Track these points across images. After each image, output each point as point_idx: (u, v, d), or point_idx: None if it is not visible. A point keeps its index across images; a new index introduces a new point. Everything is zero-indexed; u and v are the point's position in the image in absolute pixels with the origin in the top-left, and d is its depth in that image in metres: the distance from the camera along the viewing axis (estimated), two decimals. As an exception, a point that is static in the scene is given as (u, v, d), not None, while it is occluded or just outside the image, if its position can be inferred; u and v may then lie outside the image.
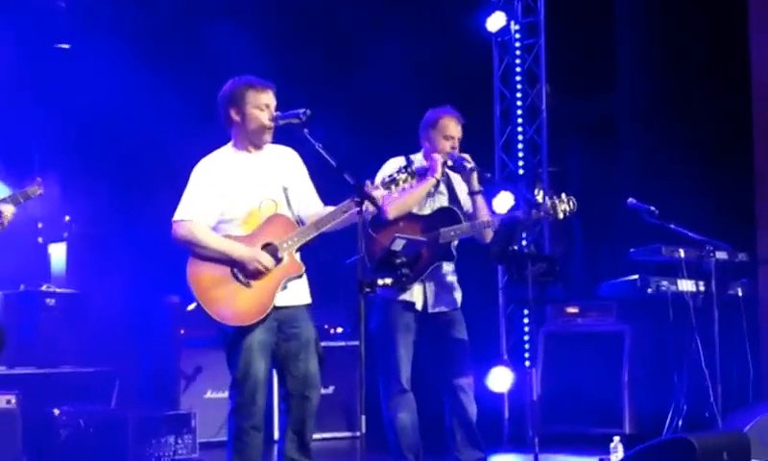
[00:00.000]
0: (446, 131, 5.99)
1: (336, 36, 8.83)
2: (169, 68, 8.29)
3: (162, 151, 8.22)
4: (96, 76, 8.37)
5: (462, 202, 6.06)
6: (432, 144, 6.00)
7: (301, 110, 4.99)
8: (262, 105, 5.11)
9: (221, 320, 4.97)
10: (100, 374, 7.63)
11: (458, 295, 6.07)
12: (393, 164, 5.86)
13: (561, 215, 5.87)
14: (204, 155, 5.20)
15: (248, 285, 5.00)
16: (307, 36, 8.85)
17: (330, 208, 5.15)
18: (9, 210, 4.57)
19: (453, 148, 5.98)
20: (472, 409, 5.98)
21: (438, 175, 5.84)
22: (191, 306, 5.12)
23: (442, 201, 6.04)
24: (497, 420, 8.61)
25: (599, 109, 8.97)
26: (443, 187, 6.05)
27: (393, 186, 5.09)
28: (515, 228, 5.98)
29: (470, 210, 6.01)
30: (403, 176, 5.10)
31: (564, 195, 5.88)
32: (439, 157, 5.87)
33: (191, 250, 5.02)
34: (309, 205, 5.25)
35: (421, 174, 5.57)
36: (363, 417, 4.81)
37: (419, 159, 5.98)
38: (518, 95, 8.87)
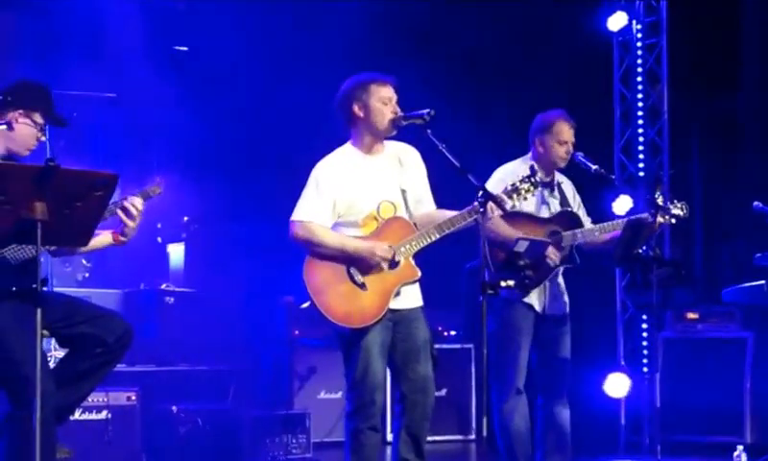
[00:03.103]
0: (561, 135, 5.90)
1: (454, 40, 8.77)
2: (286, 68, 8.33)
3: (280, 151, 8.27)
4: (213, 78, 8.48)
5: (571, 205, 5.98)
6: (545, 149, 5.91)
7: (426, 111, 4.94)
8: (385, 98, 5.06)
9: (335, 320, 4.96)
10: (216, 372, 7.70)
11: (567, 298, 6.02)
12: (503, 173, 5.83)
13: (672, 221, 5.78)
14: (322, 155, 5.19)
15: (363, 287, 4.97)
16: (430, 45, 8.80)
17: (446, 212, 5.11)
18: (138, 202, 4.62)
19: (567, 153, 5.90)
20: (568, 419, 5.95)
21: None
22: (305, 304, 5.11)
23: (554, 205, 5.96)
24: (613, 426, 8.48)
25: (723, 108, 8.75)
26: (556, 192, 5.97)
27: (515, 195, 5.00)
28: (640, 230, 5.84)
29: (580, 215, 5.95)
30: (526, 185, 5.01)
31: (676, 201, 5.79)
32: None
33: (308, 249, 5.02)
34: (422, 206, 5.21)
35: (545, 185, 5.47)
36: (485, 419, 4.82)
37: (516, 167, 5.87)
38: (639, 96, 8.73)
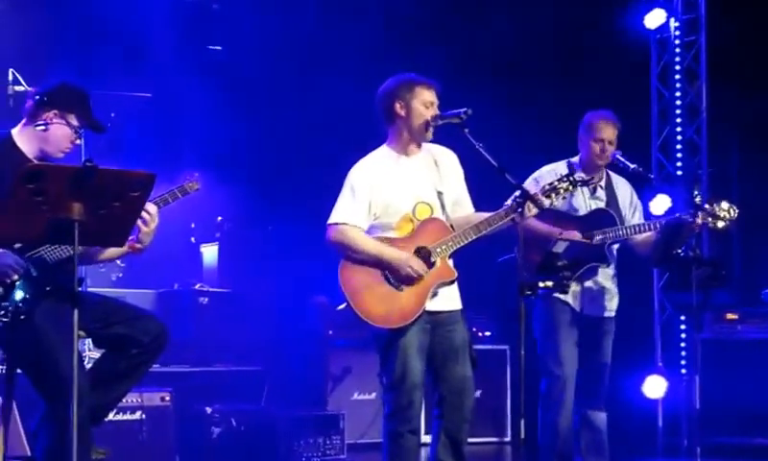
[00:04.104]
0: (596, 133, 5.91)
1: (491, 39, 8.71)
2: (321, 69, 8.30)
3: (314, 150, 8.25)
4: (248, 78, 8.47)
5: (621, 206, 5.94)
6: (584, 147, 5.94)
7: (462, 110, 4.91)
8: (428, 102, 5.05)
9: (371, 322, 4.94)
10: (250, 373, 7.68)
11: (613, 303, 5.97)
12: (541, 172, 5.87)
13: (720, 225, 5.68)
14: (356, 155, 5.18)
15: (399, 289, 4.95)
16: (466, 45, 8.76)
17: (482, 214, 5.08)
18: (152, 208, 4.58)
19: (602, 151, 5.86)
20: (604, 422, 5.95)
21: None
22: (341, 306, 5.09)
23: (597, 205, 5.94)
24: (651, 429, 8.44)
25: (762, 106, 8.63)
26: (601, 192, 5.94)
27: (553, 195, 5.00)
28: (679, 231, 5.78)
29: (629, 217, 5.91)
30: (564, 185, 5.02)
31: (724, 203, 5.70)
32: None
33: (344, 254, 5.00)
34: (460, 208, 5.18)
35: (584, 183, 5.44)
36: (522, 421, 4.81)
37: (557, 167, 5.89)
38: (677, 94, 8.69)
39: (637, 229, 5.81)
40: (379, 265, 4.95)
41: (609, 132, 5.89)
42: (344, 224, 5.01)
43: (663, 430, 8.47)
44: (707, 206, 5.69)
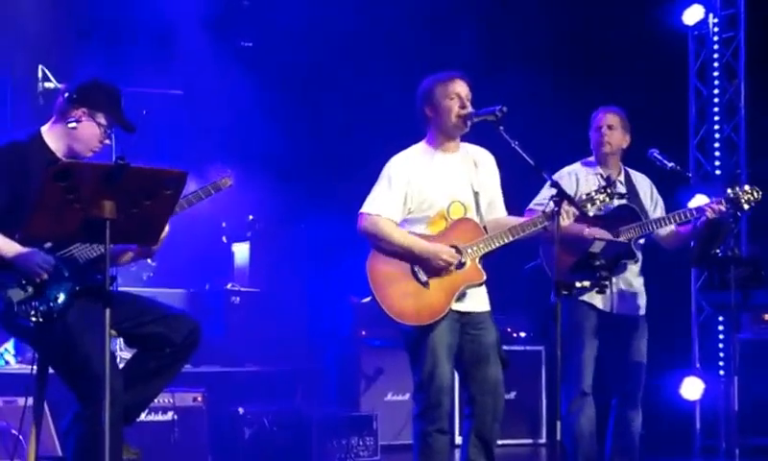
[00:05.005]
0: (595, 122, 5.91)
1: (526, 35, 8.65)
2: (353, 64, 8.25)
3: (345, 148, 8.21)
4: (279, 74, 8.44)
5: (642, 200, 5.89)
6: (592, 141, 5.93)
7: (497, 107, 4.86)
8: (452, 94, 5.00)
9: (394, 316, 4.88)
10: (282, 373, 7.64)
11: (642, 301, 5.90)
12: (566, 172, 5.85)
13: (746, 207, 5.63)
14: (390, 153, 5.13)
15: (426, 286, 4.89)
16: (501, 41, 8.72)
17: (514, 218, 5.07)
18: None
19: (602, 136, 5.85)
20: (637, 423, 5.87)
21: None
22: (366, 299, 5.04)
23: (621, 202, 5.81)
24: (688, 430, 8.37)
25: (802, 104, 8.54)
26: (621, 188, 5.83)
27: (588, 205, 4.96)
28: (718, 229, 5.70)
29: (651, 211, 5.87)
30: (601, 196, 4.99)
31: (747, 186, 5.66)
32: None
33: (374, 244, 4.96)
34: (493, 211, 5.14)
35: (621, 196, 5.39)
36: (558, 423, 4.77)
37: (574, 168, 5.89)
38: (716, 91, 8.61)
39: (664, 221, 5.76)
40: (410, 258, 4.91)
41: (607, 119, 5.87)
42: (376, 214, 4.97)
43: (701, 432, 8.41)
44: (729, 192, 5.64)
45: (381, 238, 4.94)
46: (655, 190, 6.00)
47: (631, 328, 5.83)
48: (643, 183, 5.97)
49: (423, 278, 4.90)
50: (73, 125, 4.53)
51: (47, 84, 7.01)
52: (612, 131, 5.86)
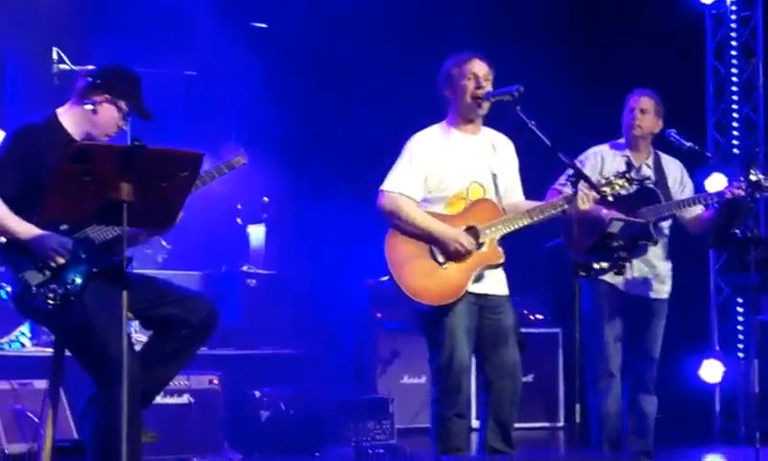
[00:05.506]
0: (629, 104, 5.85)
1: (542, 14, 8.58)
2: (368, 44, 8.19)
3: (361, 129, 8.17)
4: (293, 54, 8.39)
5: (670, 185, 5.84)
6: (623, 125, 5.87)
7: (515, 87, 4.84)
8: (469, 74, 4.99)
9: (411, 295, 4.85)
10: (299, 356, 7.61)
11: (664, 285, 5.85)
12: (591, 153, 5.82)
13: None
14: (406, 134, 5.11)
15: (443, 266, 4.87)
16: (519, 19, 8.66)
17: (532, 203, 5.06)
18: None
19: (634, 119, 5.79)
20: (652, 407, 5.85)
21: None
22: (384, 278, 5.01)
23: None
24: (708, 413, 8.33)
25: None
26: (648, 171, 5.82)
27: (607, 189, 4.95)
28: (737, 210, 5.65)
29: (678, 195, 5.82)
30: (620, 181, 4.99)
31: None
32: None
33: (392, 223, 4.94)
34: (512, 196, 5.13)
35: (640, 182, 5.33)
36: (578, 405, 4.74)
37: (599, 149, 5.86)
38: (733, 70, 8.55)
39: (684, 203, 5.72)
40: (428, 239, 4.89)
41: (640, 102, 5.82)
42: (396, 192, 4.95)
43: (721, 415, 8.37)
44: (750, 175, 5.58)
45: (400, 216, 4.92)
46: (686, 175, 5.95)
47: (647, 312, 5.80)
48: (673, 168, 5.92)
49: (441, 258, 4.89)
50: (90, 108, 4.52)
51: (61, 66, 6.99)
52: (645, 114, 5.81)
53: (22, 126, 4.50)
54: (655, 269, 5.80)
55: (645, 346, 5.80)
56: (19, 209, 4.33)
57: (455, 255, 4.86)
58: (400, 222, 4.92)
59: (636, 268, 5.74)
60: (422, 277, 4.87)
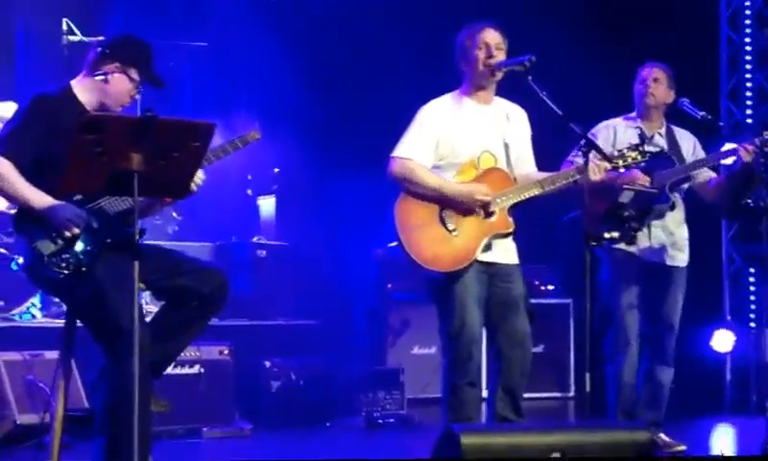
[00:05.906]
0: (641, 74, 5.87)
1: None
2: (383, 16, 8.13)
3: (373, 101, 8.13)
4: (306, 27, 8.35)
5: (684, 154, 5.83)
6: (635, 95, 5.87)
7: (526, 57, 4.84)
8: (481, 43, 5.00)
9: (420, 261, 4.86)
10: (309, 326, 7.61)
11: (681, 253, 5.85)
12: (603, 126, 5.83)
13: None
14: (418, 105, 5.10)
15: (453, 233, 4.88)
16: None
17: (543, 174, 5.05)
18: (199, 177, 4.50)
19: (647, 88, 5.80)
20: (667, 378, 5.86)
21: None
22: (392, 243, 5.02)
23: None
24: (719, 383, 8.32)
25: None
26: (660, 140, 5.81)
27: (619, 162, 4.96)
28: (749, 179, 5.63)
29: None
30: (633, 154, 4.98)
31: None
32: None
33: (404, 187, 4.94)
34: (523, 165, 5.13)
35: (653, 156, 5.32)
36: (587, 375, 4.73)
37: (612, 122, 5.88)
38: (747, 39, 8.52)
39: (698, 164, 5.73)
40: (441, 201, 4.90)
41: (653, 72, 5.83)
42: (408, 158, 4.95)
43: (731, 385, 8.34)
44: (756, 140, 5.59)
45: (411, 180, 4.92)
46: (699, 147, 5.94)
47: (664, 279, 5.80)
48: (686, 139, 5.92)
49: (451, 225, 4.89)
50: (101, 78, 4.51)
51: (71, 38, 6.97)
52: (658, 84, 5.82)
53: (37, 95, 4.49)
54: (673, 236, 5.81)
55: (664, 314, 5.80)
56: (33, 179, 4.32)
57: (469, 212, 4.86)
58: (412, 185, 4.92)
59: (654, 235, 5.75)
60: (432, 243, 4.88)
